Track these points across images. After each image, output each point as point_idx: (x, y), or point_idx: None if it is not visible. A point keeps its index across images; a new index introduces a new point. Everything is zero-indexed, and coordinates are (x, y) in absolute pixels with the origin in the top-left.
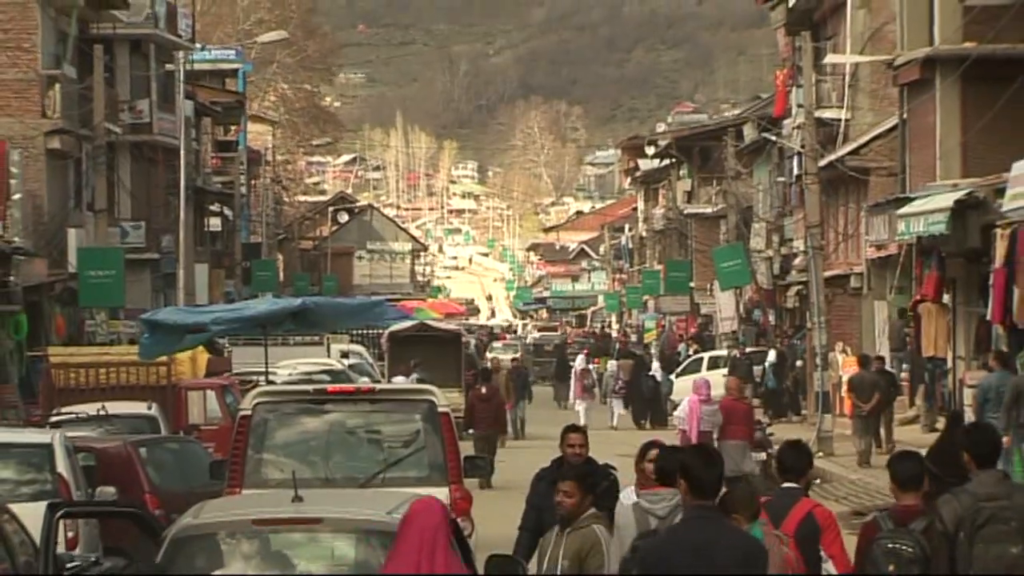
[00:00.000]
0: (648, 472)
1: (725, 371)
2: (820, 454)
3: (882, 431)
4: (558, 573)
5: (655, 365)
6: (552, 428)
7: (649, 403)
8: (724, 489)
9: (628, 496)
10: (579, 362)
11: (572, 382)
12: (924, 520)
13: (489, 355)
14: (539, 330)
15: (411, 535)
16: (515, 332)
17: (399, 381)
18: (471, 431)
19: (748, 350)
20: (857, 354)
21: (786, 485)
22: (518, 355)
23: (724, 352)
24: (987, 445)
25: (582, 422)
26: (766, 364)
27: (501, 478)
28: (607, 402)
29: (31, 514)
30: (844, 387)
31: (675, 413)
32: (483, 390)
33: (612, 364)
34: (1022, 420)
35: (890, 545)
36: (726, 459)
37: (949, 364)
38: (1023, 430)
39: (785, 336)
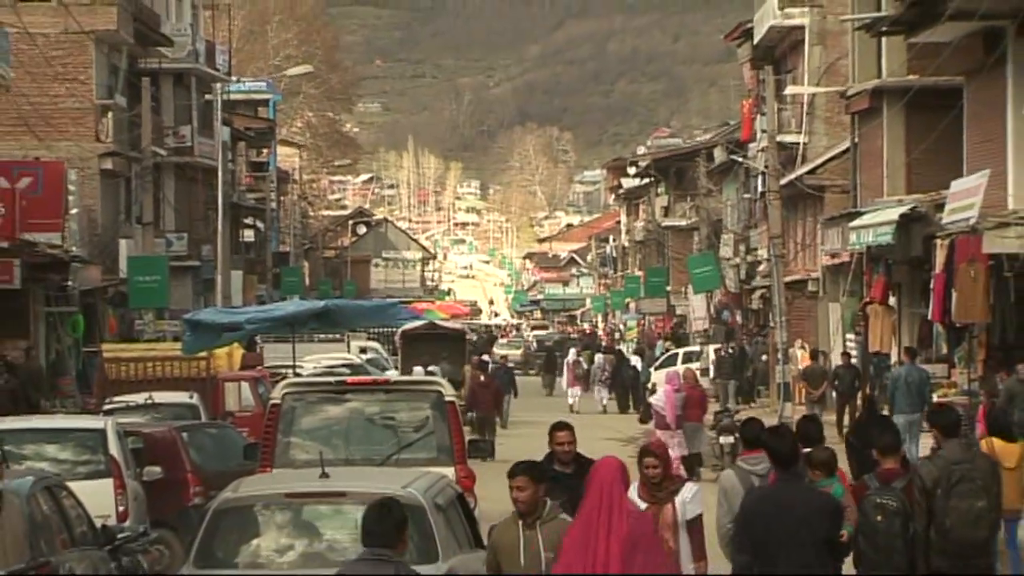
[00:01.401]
0: (649, 475)
1: (695, 365)
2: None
3: (846, 418)
4: (543, 568)
5: (634, 358)
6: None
7: (629, 390)
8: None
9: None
10: (571, 355)
11: (564, 373)
12: (903, 480)
13: (497, 351)
14: (532, 328)
15: (592, 490)
16: (518, 330)
17: (418, 371)
18: (471, 413)
19: (722, 347)
20: (811, 349)
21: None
22: (516, 353)
23: (697, 348)
24: (951, 421)
25: (574, 408)
26: (715, 358)
27: (498, 457)
28: (594, 390)
29: (86, 491)
30: (803, 374)
31: (652, 399)
32: (482, 379)
33: (599, 357)
34: (1017, 420)
35: (877, 500)
36: (686, 440)
37: (894, 359)
38: (1021, 429)
39: (751, 334)
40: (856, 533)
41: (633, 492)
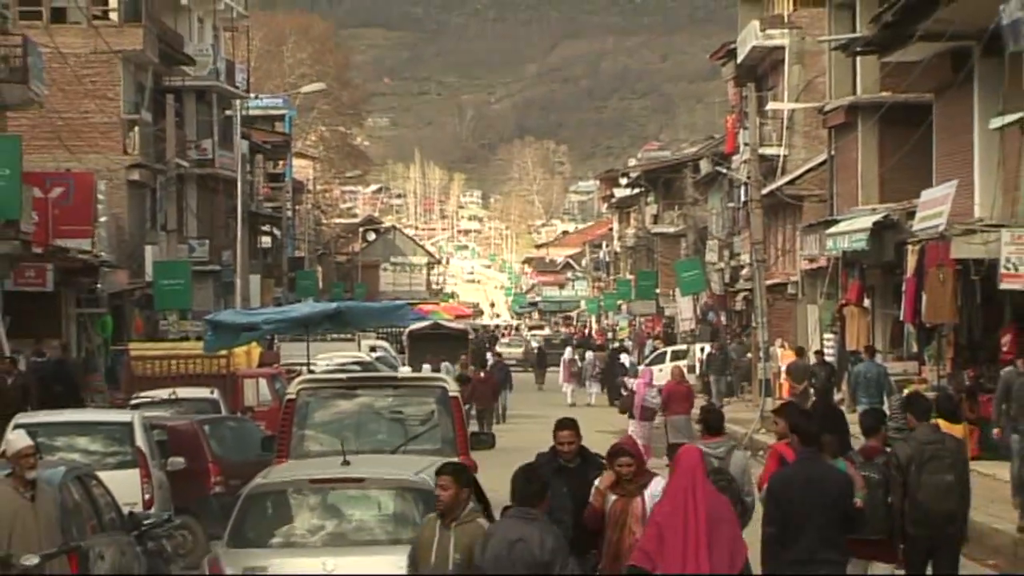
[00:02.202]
0: (623, 473)
1: (683, 363)
2: (763, 430)
3: None
4: (450, 567)
5: (624, 356)
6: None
7: (619, 385)
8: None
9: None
10: (567, 353)
11: (561, 369)
12: (883, 457)
13: (500, 349)
14: (530, 329)
15: (680, 471)
16: (517, 331)
17: (427, 369)
18: (467, 406)
19: (705, 346)
20: (794, 347)
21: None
22: (517, 351)
23: (684, 347)
24: (923, 407)
25: (569, 400)
26: (705, 354)
27: (498, 447)
28: (586, 384)
29: (115, 480)
30: (783, 374)
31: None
32: (482, 374)
33: (589, 354)
34: (1012, 413)
35: (863, 473)
36: (670, 430)
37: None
38: (1014, 422)
39: (734, 334)
40: None
41: (601, 484)
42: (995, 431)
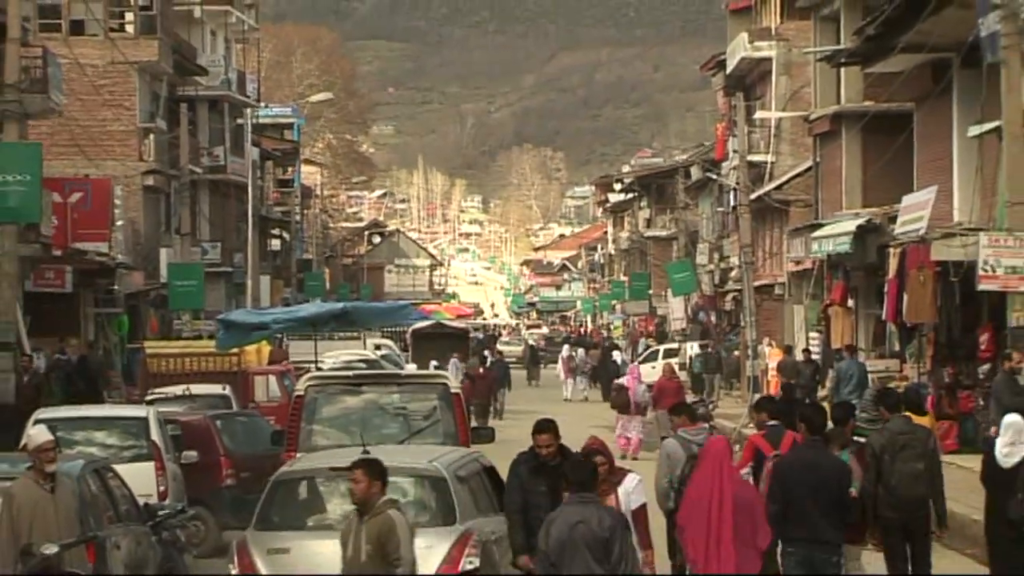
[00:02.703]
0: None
1: (675, 360)
2: (751, 425)
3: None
4: (362, 559)
5: (615, 353)
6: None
7: (611, 381)
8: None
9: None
10: (564, 351)
11: (560, 366)
12: (854, 446)
13: (500, 347)
14: (528, 328)
15: (708, 459)
16: (517, 329)
17: (434, 365)
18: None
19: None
20: (782, 346)
21: (772, 423)
22: (517, 349)
23: (675, 345)
24: (894, 401)
25: (567, 395)
26: (692, 354)
27: (497, 441)
28: (576, 380)
29: (131, 473)
30: (771, 371)
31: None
32: (480, 370)
33: (581, 352)
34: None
35: None
36: (660, 424)
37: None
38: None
39: (724, 333)
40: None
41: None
42: (992, 430)
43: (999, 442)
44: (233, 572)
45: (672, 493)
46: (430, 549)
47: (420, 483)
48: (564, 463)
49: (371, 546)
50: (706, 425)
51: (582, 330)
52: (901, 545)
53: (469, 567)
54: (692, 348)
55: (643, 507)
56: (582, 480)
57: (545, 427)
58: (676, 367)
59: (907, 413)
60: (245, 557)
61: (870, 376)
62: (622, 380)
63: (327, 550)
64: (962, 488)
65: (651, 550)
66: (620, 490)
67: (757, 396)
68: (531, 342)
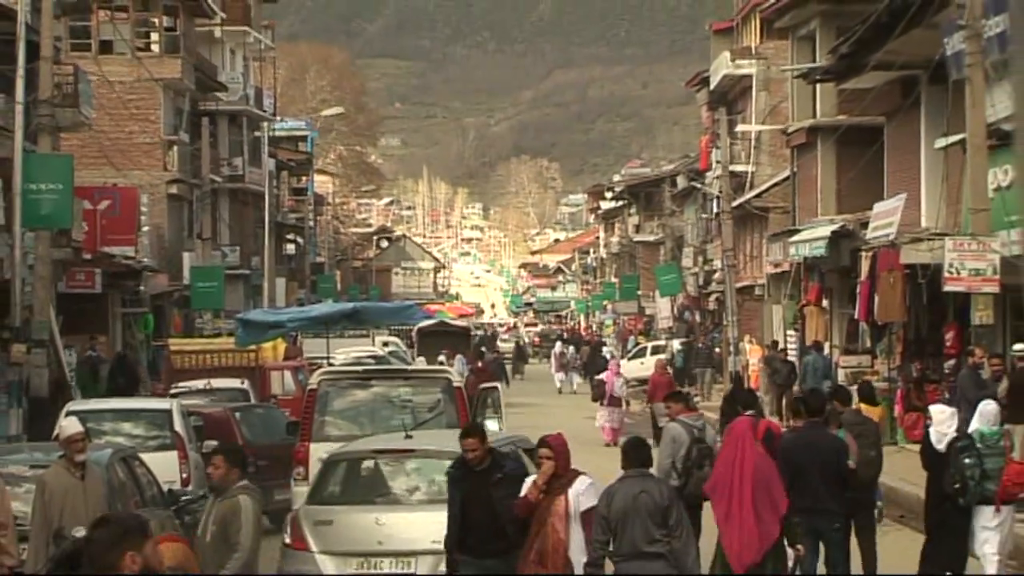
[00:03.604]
0: (540, 461)
1: (663, 356)
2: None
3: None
4: (207, 538)
5: (605, 349)
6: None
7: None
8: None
9: (529, 483)
10: (557, 347)
11: (552, 361)
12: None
13: (500, 345)
14: (525, 326)
15: (732, 437)
16: (515, 328)
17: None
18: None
19: (680, 341)
20: (762, 344)
21: (748, 413)
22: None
23: (663, 342)
24: (846, 396)
25: (558, 387)
26: (675, 350)
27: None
28: (564, 374)
29: (155, 461)
30: (752, 366)
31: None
32: (479, 365)
33: (571, 348)
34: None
35: None
36: (656, 415)
37: (827, 351)
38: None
39: (707, 331)
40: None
41: (531, 480)
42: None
43: (933, 428)
44: (286, 541)
45: (675, 473)
46: None
47: (444, 464)
48: (487, 468)
49: (216, 527)
50: (701, 412)
51: (574, 328)
52: (850, 518)
53: None
54: (675, 345)
55: (592, 509)
56: (638, 458)
57: (471, 431)
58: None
59: (862, 404)
60: (296, 529)
61: (842, 371)
62: (602, 375)
63: (364, 522)
64: (922, 473)
65: None
66: (571, 491)
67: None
68: (517, 340)
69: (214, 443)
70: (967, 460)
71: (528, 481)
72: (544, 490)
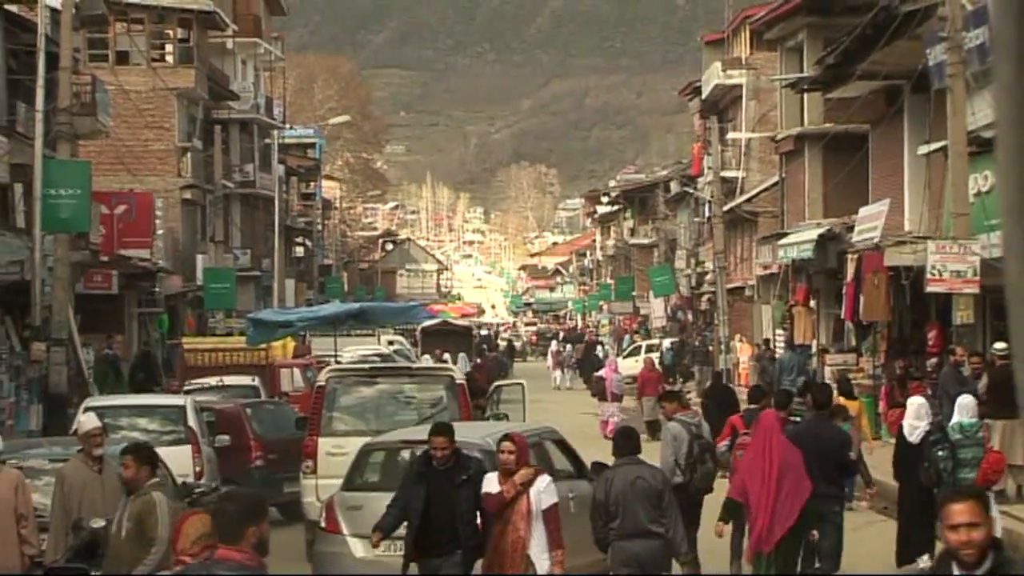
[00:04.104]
0: (503, 460)
1: (656, 354)
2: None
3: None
4: (122, 535)
5: (598, 348)
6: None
7: (593, 372)
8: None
9: (491, 481)
10: (553, 345)
11: (549, 358)
12: (792, 424)
13: (501, 343)
14: (525, 325)
15: (761, 429)
16: (515, 327)
17: (448, 359)
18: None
19: (674, 340)
20: (752, 343)
21: (752, 407)
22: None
23: (656, 341)
24: (822, 393)
25: (555, 384)
26: (664, 349)
27: None
28: (565, 371)
29: (170, 455)
30: (742, 365)
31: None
32: (479, 361)
33: (569, 346)
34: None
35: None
36: (645, 409)
37: (814, 349)
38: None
39: (699, 330)
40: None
41: (493, 477)
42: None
43: (906, 422)
44: (321, 524)
45: (678, 469)
46: None
47: (471, 453)
48: (452, 468)
49: (131, 524)
50: (697, 409)
51: (574, 328)
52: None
53: None
54: (664, 343)
55: (554, 507)
56: (630, 446)
57: (441, 430)
58: (655, 361)
59: (840, 397)
60: (331, 512)
61: (828, 368)
62: (601, 372)
63: None
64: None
65: (561, 550)
66: (532, 490)
67: (742, 387)
68: (509, 340)
69: (226, 438)
70: (939, 452)
71: (491, 478)
72: (510, 487)
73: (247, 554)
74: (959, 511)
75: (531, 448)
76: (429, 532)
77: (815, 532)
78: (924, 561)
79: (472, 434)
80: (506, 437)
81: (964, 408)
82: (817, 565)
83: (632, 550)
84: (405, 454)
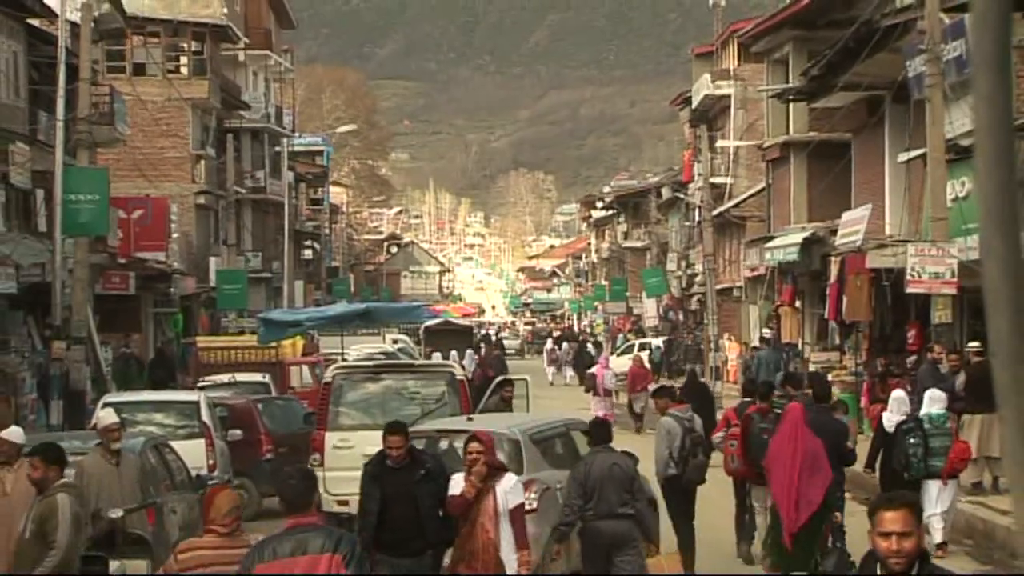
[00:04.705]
0: (470, 460)
1: (646, 353)
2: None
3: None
4: (26, 535)
5: (589, 346)
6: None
7: (586, 369)
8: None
9: (457, 483)
10: (548, 344)
11: (544, 356)
12: (772, 414)
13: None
14: (524, 324)
15: (788, 419)
16: (514, 326)
17: (454, 356)
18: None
19: (664, 339)
20: (740, 341)
21: (746, 399)
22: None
23: (649, 339)
24: (798, 381)
25: (549, 380)
26: (654, 347)
27: None
28: (562, 369)
29: (184, 448)
30: (730, 362)
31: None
32: (478, 359)
33: (565, 345)
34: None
35: (760, 425)
36: (635, 404)
37: (799, 347)
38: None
39: (689, 329)
40: (749, 443)
41: (460, 478)
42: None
43: (886, 414)
44: None
45: (671, 462)
46: None
47: (501, 442)
48: (407, 466)
49: (35, 525)
50: (688, 404)
51: (567, 327)
52: None
53: (528, 506)
54: (652, 342)
55: (520, 506)
56: (603, 437)
57: (396, 429)
58: (644, 358)
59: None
60: None
61: (813, 366)
62: (593, 369)
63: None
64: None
65: (527, 550)
66: (498, 489)
67: (728, 384)
68: (496, 337)
69: (238, 432)
70: (911, 440)
71: (457, 478)
72: (469, 487)
73: (319, 516)
74: (891, 519)
75: (542, 443)
76: (394, 531)
77: (838, 514)
78: None
79: (499, 424)
80: (472, 437)
81: (934, 400)
82: (838, 545)
83: (604, 530)
84: (443, 444)
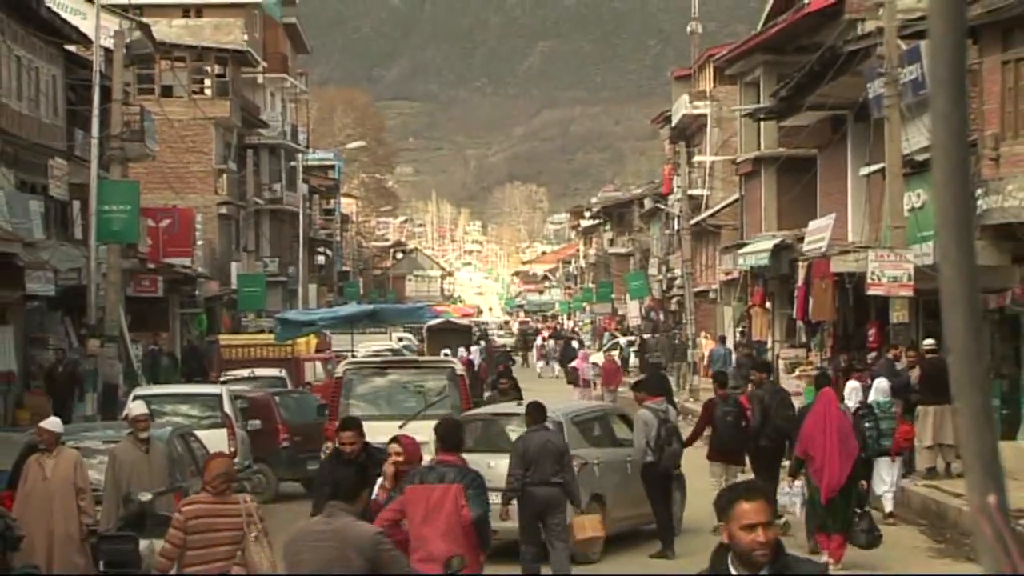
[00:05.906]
0: (392, 459)
1: (632, 349)
2: (691, 399)
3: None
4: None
5: (574, 342)
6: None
7: (569, 363)
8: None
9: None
10: (538, 341)
11: (534, 352)
12: (732, 400)
13: (497, 339)
14: (520, 323)
15: (821, 400)
16: (508, 325)
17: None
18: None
19: (647, 335)
20: (715, 339)
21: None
22: (510, 341)
23: (633, 337)
24: (768, 367)
25: (538, 373)
26: (622, 345)
27: None
28: (550, 364)
29: (208, 437)
30: (706, 359)
31: (570, 365)
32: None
33: (551, 342)
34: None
35: (724, 409)
36: (606, 396)
37: (769, 345)
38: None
39: (668, 329)
40: (715, 424)
41: (380, 481)
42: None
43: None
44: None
45: (648, 450)
46: None
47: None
48: (363, 462)
49: None
50: (663, 397)
51: (556, 326)
52: (767, 466)
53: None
54: (622, 341)
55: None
56: (538, 418)
57: (349, 424)
58: (615, 356)
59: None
60: None
61: (782, 362)
62: (573, 363)
63: (495, 465)
64: None
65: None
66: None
67: (704, 379)
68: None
69: (257, 422)
70: (866, 424)
71: (378, 483)
72: (391, 487)
73: (459, 458)
74: (754, 510)
75: (581, 424)
76: None
77: (864, 482)
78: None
79: (519, 408)
80: (394, 440)
81: (880, 390)
82: (866, 509)
83: (538, 495)
84: (494, 423)
